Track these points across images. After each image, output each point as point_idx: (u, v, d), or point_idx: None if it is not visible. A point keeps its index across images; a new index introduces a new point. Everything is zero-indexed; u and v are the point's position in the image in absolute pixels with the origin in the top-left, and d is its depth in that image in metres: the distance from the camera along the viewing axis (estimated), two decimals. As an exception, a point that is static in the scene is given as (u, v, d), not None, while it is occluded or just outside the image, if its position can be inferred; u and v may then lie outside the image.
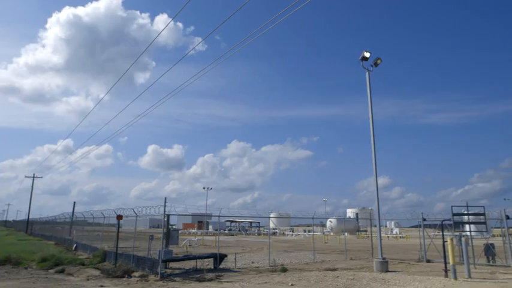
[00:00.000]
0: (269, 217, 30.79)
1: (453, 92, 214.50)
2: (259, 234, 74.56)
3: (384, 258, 17.08)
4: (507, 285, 12.63)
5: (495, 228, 29.11)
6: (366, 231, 62.72)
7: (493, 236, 40.61)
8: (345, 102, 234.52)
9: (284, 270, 16.24)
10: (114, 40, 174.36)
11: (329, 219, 66.11)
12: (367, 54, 19.34)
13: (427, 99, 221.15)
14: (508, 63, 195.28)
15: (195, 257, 17.72)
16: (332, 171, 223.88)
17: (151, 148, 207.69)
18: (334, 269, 17.09)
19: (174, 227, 55.13)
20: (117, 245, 18.00)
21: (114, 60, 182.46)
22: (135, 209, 18.08)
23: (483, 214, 19.22)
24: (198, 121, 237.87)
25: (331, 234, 65.89)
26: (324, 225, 72.18)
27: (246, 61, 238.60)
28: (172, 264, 16.95)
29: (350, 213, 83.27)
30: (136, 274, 14.99)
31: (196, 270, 16.05)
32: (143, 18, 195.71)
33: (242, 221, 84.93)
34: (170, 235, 17.32)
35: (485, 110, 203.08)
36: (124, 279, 14.22)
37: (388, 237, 64.25)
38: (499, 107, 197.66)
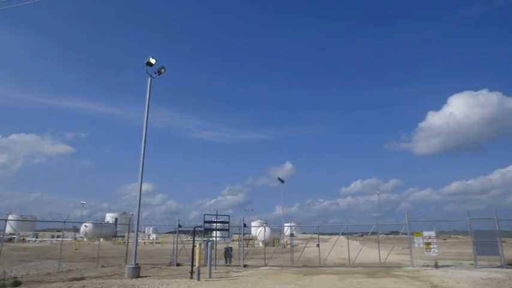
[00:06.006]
0: (6, 219, 25.45)
1: (221, 115, 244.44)
2: (-12, 240, 60.27)
3: (136, 264, 17.12)
4: (236, 281, 15.07)
5: (235, 234, 34.36)
6: (123, 236, 61.37)
7: (233, 240, 47.95)
8: (124, 103, 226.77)
9: (17, 284, 13.63)
10: None
11: (84, 224, 61.05)
12: (152, 61, 19.45)
13: (201, 117, 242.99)
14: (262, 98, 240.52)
15: None
16: (95, 172, 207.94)
17: None
18: (82, 278, 15.72)
19: None
20: None
21: None
22: None
23: (227, 222, 22.37)
24: None
25: (85, 240, 60.90)
26: (78, 230, 66.03)
27: (15, 31, 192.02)
28: None
29: (109, 217, 79.67)
30: None
31: None
32: None
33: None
34: None
35: (241, 135, 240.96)
36: None
37: (144, 242, 65.11)
38: (249, 134, 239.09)
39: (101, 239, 39.30)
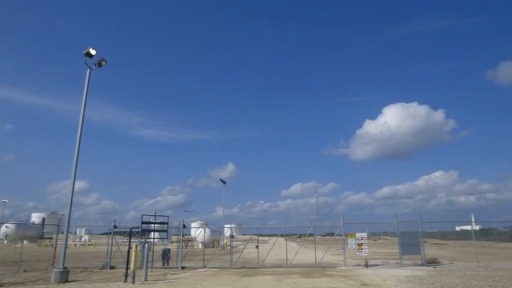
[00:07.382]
0: None
1: (166, 114, 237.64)
2: None
3: (65, 268, 15.98)
4: (173, 283, 14.71)
5: (174, 235, 33.52)
6: (51, 238, 56.99)
7: (172, 242, 46.85)
8: (59, 95, 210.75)
9: None
10: None
11: (5, 224, 55.75)
12: (92, 52, 18.33)
13: (143, 114, 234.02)
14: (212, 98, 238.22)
15: None
16: (20, 167, 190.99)
17: None
18: (0, 285, 14.30)
19: None
20: None
21: None
22: None
23: (166, 223, 21.79)
24: None
25: (5, 242, 55.63)
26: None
27: None
28: None
29: (35, 217, 73.66)
30: None
31: None
32: None
33: None
34: None
35: (184, 134, 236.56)
36: None
37: (75, 244, 61.13)
38: (192, 134, 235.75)
39: (25, 241, 36.08)
